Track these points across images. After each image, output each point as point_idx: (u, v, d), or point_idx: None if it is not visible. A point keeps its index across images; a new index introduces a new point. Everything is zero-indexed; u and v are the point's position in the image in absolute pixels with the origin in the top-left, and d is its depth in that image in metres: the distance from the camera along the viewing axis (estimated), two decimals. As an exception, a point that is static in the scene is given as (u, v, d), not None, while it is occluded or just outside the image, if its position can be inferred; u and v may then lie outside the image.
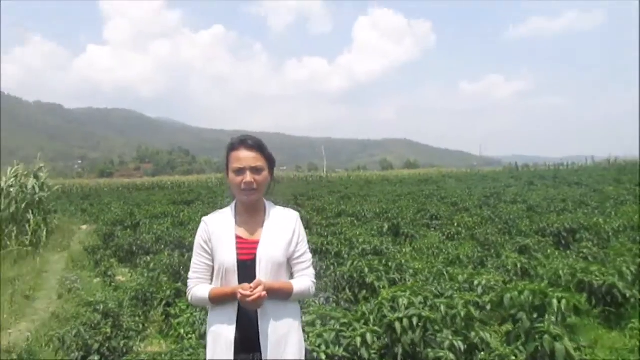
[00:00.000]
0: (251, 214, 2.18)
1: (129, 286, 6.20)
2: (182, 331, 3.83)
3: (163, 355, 3.24)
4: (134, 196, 28.65)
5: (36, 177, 12.80)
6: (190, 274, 2.20)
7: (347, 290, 4.76)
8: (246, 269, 2.08)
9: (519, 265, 5.59)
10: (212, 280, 2.18)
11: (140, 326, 5.06)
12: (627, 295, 4.59)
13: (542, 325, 3.12)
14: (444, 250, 7.67)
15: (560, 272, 5.34)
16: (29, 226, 11.34)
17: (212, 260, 2.16)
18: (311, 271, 2.24)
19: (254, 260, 2.09)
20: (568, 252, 7.51)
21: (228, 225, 2.16)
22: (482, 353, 3.18)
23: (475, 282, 4.21)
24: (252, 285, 1.96)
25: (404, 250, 7.81)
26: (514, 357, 3.04)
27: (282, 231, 2.16)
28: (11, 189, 11.32)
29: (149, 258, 7.32)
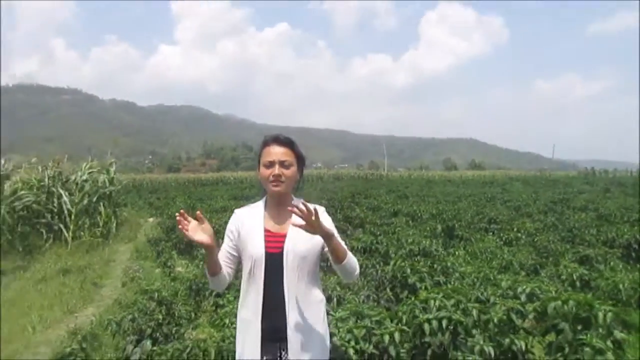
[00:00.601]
0: (280, 209, 2.27)
1: (185, 277, 6.54)
2: (227, 321, 4.02)
3: (205, 342, 3.45)
4: (198, 191, 29.82)
5: (107, 172, 13.68)
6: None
7: (389, 290, 4.79)
8: (273, 261, 2.18)
9: (574, 276, 5.36)
10: (240, 273, 2.30)
11: (192, 315, 5.34)
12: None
13: (585, 337, 3.02)
14: (498, 256, 7.46)
15: (620, 285, 5.08)
16: (101, 218, 12.15)
17: (236, 250, 2.28)
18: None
19: (281, 254, 2.18)
20: (638, 266, 7.08)
21: (257, 219, 2.27)
22: (520, 361, 3.12)
23: (519, 290, 4.10)
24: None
25: (456, 253, 7.69)
26: (552, 368, 2.97)
27: None
28: (85, 184, 12.15)
29: (203, 251, 7.65)
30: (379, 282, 5.05)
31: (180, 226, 2.05)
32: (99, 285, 7.67)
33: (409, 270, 4.83)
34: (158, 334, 4.28)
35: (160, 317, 4.46)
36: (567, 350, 3.19)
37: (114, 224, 12.85)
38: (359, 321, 3.25)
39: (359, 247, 6.95)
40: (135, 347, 3.91)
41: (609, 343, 3.06)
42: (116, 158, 16.80)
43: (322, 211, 2.29)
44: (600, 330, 3.20)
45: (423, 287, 4.50)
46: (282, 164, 2.20)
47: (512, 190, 25.04)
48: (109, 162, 14.93)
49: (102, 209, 12.32)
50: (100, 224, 12.11)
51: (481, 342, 3.00)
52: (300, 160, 2.29)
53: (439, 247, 7.12)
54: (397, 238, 7.86)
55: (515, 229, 9.98)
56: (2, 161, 12.56)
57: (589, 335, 3.04)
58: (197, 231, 2.08)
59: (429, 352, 3.08)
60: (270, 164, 2.20)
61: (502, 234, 9.56)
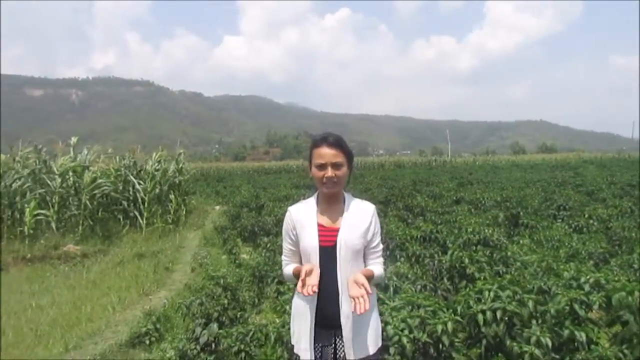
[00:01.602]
0: (331, 204, 2.38)
1: (249, 264, 6.82)
2: (287, 307, 4.19)
3: (267, 327, 3.63)
4: (261, 179, 30.56)
5: (176, 162, 14.38)
6: (282, 257, 2.51)
7: (446, 280, 4.78)
8: (327, 255, 2.29)
9: (646, 264, 5.08)
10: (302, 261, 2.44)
11: (256, 300, 5.60)
12: None
13: (650, 330, 2.92)
14: (566, 244, 7.18)
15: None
16: (171, 206, 12.83)
17: (296, 245, 2.41)
18: (382, 260, 2.42)
19: (334, 247, 2.28)
20: None
21: (311, 214, 2.38)
22: (583, 353, 3.05)
23: (582, 279, 3.97)
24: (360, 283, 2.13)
25: (521, 241, 7.47)
26: (615, 360, 2.88)
27: (360, 221, 2.33)
28: (156, 173, 12.85)
29: (266, 239, 7.92)
30: (436, 271, 5.05)
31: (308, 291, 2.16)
32: (171, 269, 8.12)
33: (467, 260, 4.79)
34: (224, 318, 4.54)
35: (226, 301, 4.72)
36: (635, 341, 3.09)
37: (184, 212, 13.56)
38: (414, 311, 3.30)
39: (418, 236, 6.93)
40: (203, 329, 4.16)
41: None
42: (185, 147, 17.60)
43: (372, 211, 2.39)
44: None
45: (482, 277, 4.45)
46: (333, 165, 2.28)
47: (585, 174, 23.73)
48: (178, 153, 15.71)
49: (172, 197, 13.00)
50: (171, 212, 12.80)
51: (537, 333, 2.97)
52: (350, 157, 2.36)
53: (501, 235, 6.94)
54: (458, 227, 7.75)
55: (586, 216, 9.54)
56: (85, 151, 13.44)
57: (655, 329, 2.93)
58: (310, 278, 2.19)
59: (484, 342, 3.09)
60: (322, 166, 2.28)
61: (571, 221, 9.16)
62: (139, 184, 12.42)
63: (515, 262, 5.22)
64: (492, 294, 3.28)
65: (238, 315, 4.75)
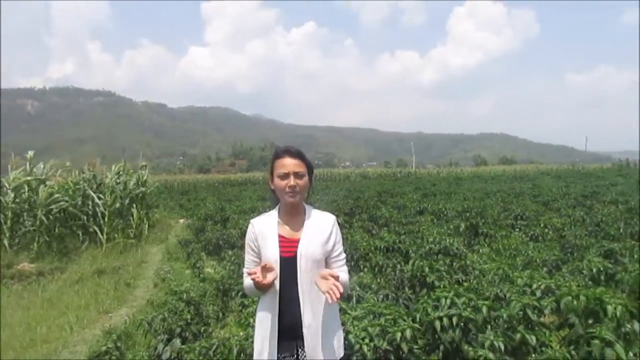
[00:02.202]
0: (292, 216, 2.44)
1: (213, 278, 6.77)
2: (251, 320, 4.19)
3: (230, 341, 3.63)
4: (227, 191, 30.26)
5: (139, 175, 14.10)
6: (244, 269, 2.52)
7: (407, 289, 4.89)
8: (288, 265, 2.34)
9: (594, 270, 5.35)
10: None
11: (220, 314, 5.56)
12: None
13: (594, 330, 3.09)
14: (523, 252, 7.45)
15: (644, 278, 5.02)
16: (133, 220, 12.55)
17: (259, 257, 2.45)
18: (346, 268, 2.47)
19: (294, 257, 2.34)
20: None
21: (272, 226, 2.44)
22: (534, 355, 3.20)
23: (535, 286, 4.16)
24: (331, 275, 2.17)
25: (481, 250, 7.70)
26: (563, 361, 3.03)
27: (320, 231, 2.40)
28: (116, 186, 12.55)
29: (230, 252, 7.89)
30: (398, 281, 5.16)
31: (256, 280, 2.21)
32: (132, 285, 7.96)
33: (427, 269, 4.93)
34: (187, 333, 4.50)
35: (189, 316, 4.68)
36: (581, 343, 3.26)
37: (146, 226, 13.27)
38: (375, 319, 3.38)
39: (382, 247, 7.04)
40: (165, 345, 4.11)
41: (615, 336, 3.12)
42: (148, 159, 17.33)
43: (332, 221, 2.47)
44: (611, 323, 3.27)
45: (442, 286, 4.58)
46: (296, 174, 2.36)
47: (542, 185, 24.60)
48: (141, 165, 15.40)
49: (134, 211, 12.72)
50: (133, 226, 12.52)
51: (491, 338, 3.10)
52: (310, 169, 2.45)
53: (461, 245, 7.14)
54: (421, 237, 7.93)
55: (542, 225, 9.91)
56: (41, 165, 12.96)
57: (598, 329, 3.11)
58: (266, 275, 2.23)
59: (442, 347, 3.20)
60: (285, 176, 2.36)
61: (528, 230, 9.51)
62: (99, 197, 12.10)
63: (474, 270, 5.39)
64: (448, 301, 3.40)
65: (202, 330, 4.73)
